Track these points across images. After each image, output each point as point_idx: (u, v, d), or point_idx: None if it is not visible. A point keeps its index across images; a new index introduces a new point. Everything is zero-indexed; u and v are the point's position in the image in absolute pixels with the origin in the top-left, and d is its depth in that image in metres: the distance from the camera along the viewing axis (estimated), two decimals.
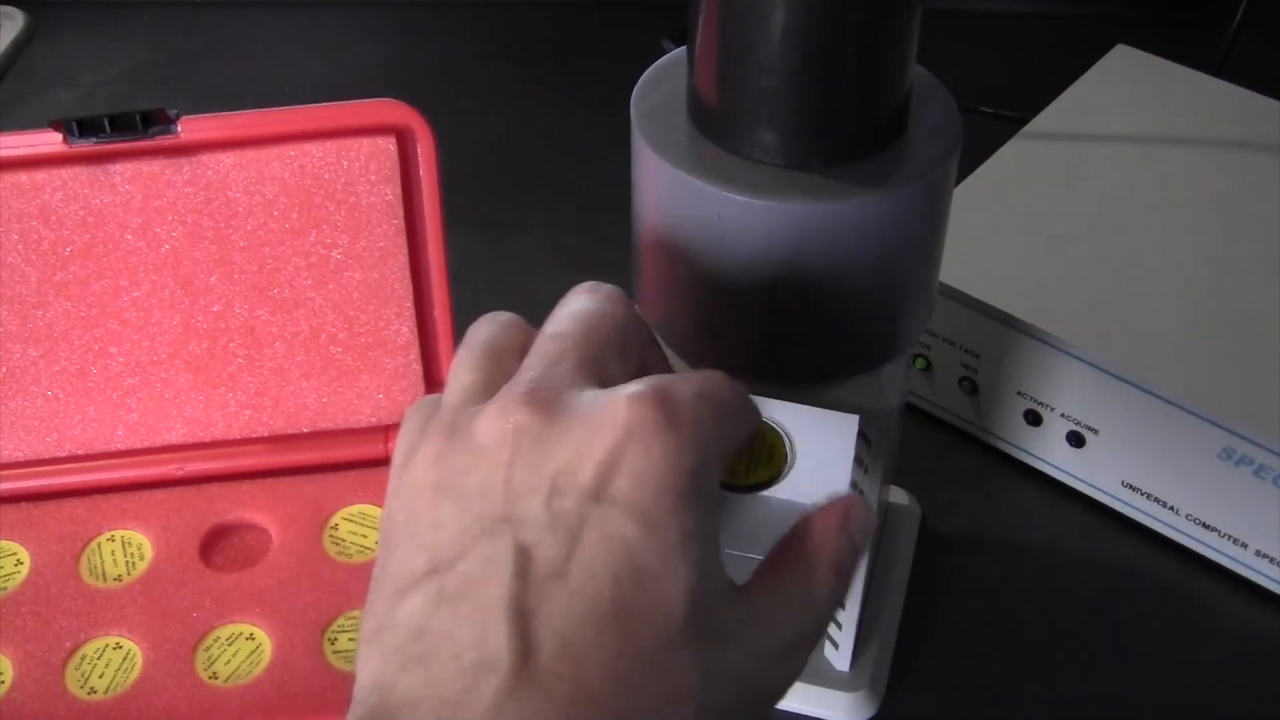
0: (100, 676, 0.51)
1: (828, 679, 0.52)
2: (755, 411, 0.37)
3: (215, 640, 0.53)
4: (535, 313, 0.69)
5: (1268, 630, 0.55)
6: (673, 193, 0.39)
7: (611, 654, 0.30)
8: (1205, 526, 0.56)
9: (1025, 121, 0.68)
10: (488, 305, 0.69)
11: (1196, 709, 0.53)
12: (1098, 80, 0.71)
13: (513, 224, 0.75)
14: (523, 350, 0.36)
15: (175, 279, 0.55)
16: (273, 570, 0.55)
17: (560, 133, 0.82)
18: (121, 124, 0.53)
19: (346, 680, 0.52)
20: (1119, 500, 0.59)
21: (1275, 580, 0.55)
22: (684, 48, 0.41)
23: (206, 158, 0.54)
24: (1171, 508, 0.57)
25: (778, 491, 0.53)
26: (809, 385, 0.43)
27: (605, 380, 0.34)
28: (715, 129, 0.40)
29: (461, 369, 0.36)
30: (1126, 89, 0.70)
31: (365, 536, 0.57)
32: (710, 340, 0.42)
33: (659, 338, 0.43)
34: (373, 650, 0.32)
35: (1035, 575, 0.57)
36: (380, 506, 0.58)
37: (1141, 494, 0.58)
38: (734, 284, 0.40)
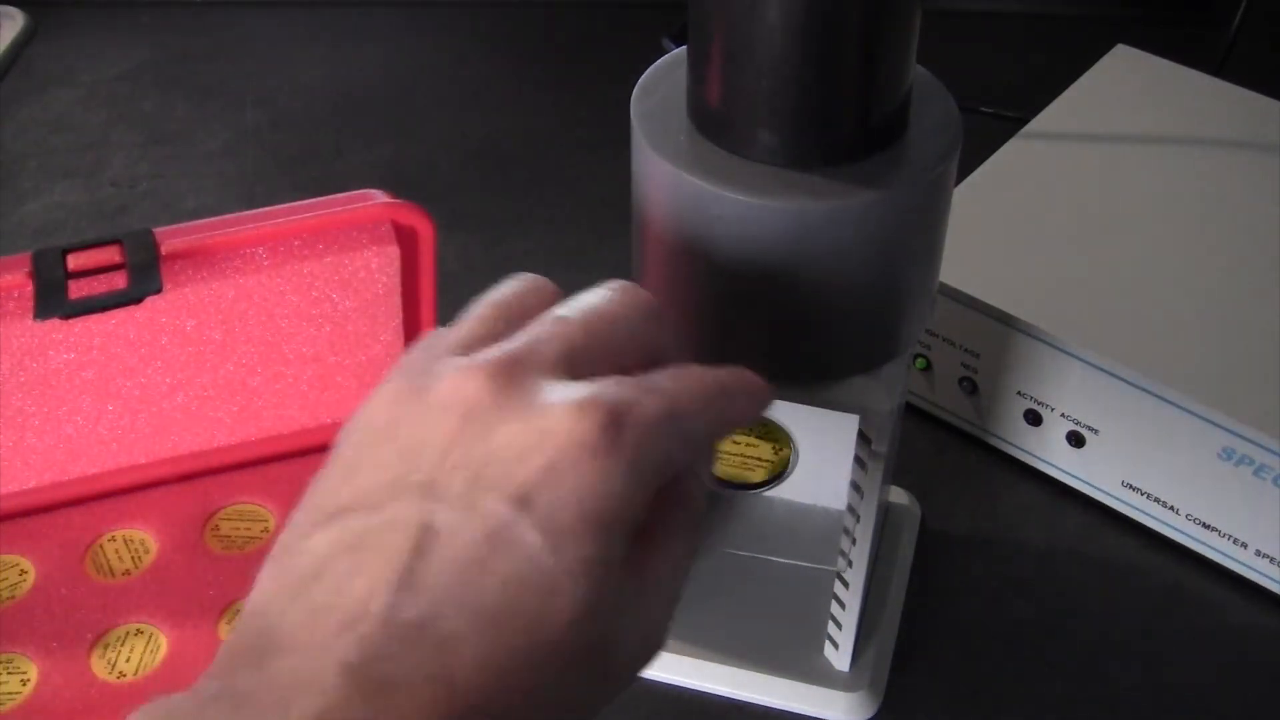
0: (127, 660, 0.52)
1: (828, 679, 0.52)
2: (752, 408, 0.37)
3: (234, 614, 0.53)
4: None
5: (1268, 630, 0.55)
6: (673, 193, 0.39)
7: (484, 650, 0.30)
8: (1205, 526, 0.56)
9: (1025, 121, 0.68)
10: None
11: (1196, 709, 0.53)
12: (1098, 80, 0.71)
13: (513, 224, 0.75)
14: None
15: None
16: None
17: (560, 133, 0.82)
18: (94, 305, 0.48)
19: None
20: (1119, 500, 0.59)
21: (1275, 580, 0.55)
22: (684, 48, 0.41)
23: (194, 297, 0.53)
24: (1171, 508, 0.57)
25: (778, 491, 0.53)
26: (809, 385, 0.43)
27: (583, 378, 0.34)
28: (715, 129, 0.40)
29: (472, 316, 0.37)
30: (1126, 89, 0.70)
31: None
32: (710, 340, 0.42)
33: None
34: (273, 570, 0.33)
35: (1035, 575, 0.57)
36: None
37: (1141, 494, 0.58)
38: (734, 284, 0.40)
